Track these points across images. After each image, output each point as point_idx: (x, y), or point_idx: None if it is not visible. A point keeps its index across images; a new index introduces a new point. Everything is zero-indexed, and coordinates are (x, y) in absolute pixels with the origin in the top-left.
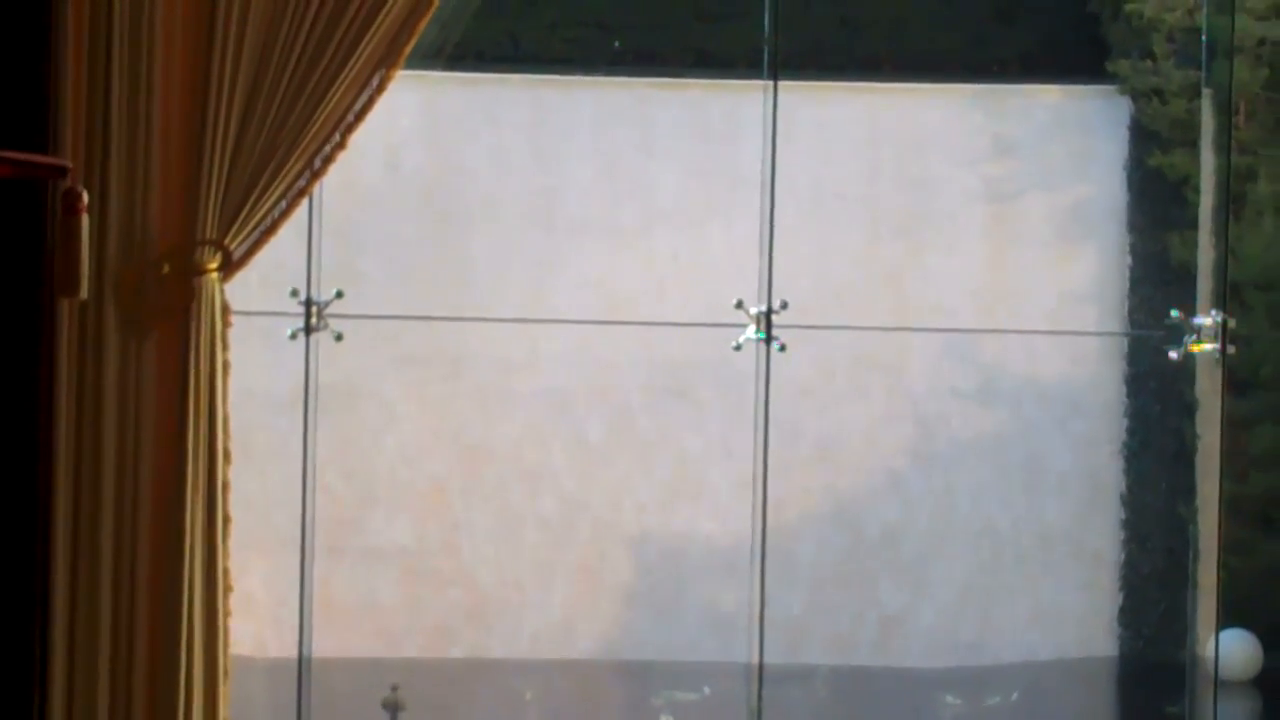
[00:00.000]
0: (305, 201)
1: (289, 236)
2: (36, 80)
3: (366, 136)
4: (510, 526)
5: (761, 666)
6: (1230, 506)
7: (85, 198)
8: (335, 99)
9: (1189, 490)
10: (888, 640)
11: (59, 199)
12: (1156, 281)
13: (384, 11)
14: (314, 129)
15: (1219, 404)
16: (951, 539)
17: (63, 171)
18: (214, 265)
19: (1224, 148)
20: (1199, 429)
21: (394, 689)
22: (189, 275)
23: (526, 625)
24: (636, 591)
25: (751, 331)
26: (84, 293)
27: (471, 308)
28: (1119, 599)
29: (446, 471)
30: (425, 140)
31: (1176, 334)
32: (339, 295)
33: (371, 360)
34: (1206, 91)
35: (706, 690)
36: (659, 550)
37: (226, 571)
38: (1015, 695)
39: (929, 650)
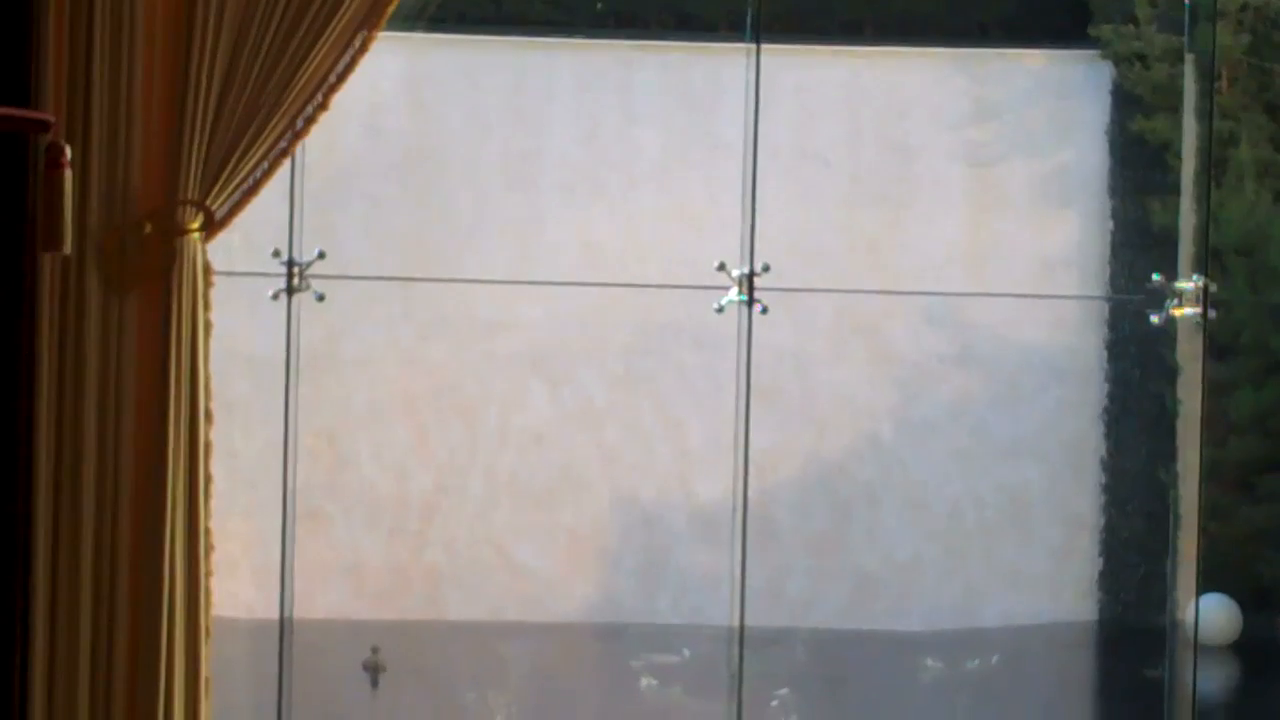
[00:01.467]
0: (287, 162)
1: (271, 197)
2: (18, 40)
3: (348, 98)
4: (491, 489)
5: (742, 629)
6: (1210, 471)
7: (69, 152)
8: (317, 59)
9: (1169, 455)
10: (868, 603)
11: (42, 154)
12: (1138, 246)
13: None
14: (296, 89)
15: (1200, 369)
16: (932, 503)
17: (45, 126)
18: (196, 225)
19: (1206, 113)
20: (1180, 394)
21: (374, 650)
22: (171, 235)
23: (507, 587)
24: (617, 554)
25: (734, 294)
26: (68, 247)
27: (453, 269)
28: (1099, 563)
29: (428, 433)
30: (407, 102)
31: (1158, 298)
32: (321, 256)
33: (354, 320)
34: (1189, 56)
35: (686, 653)
36: (640, 513)
37: (208, 531)
38: (995, 659)
39: (909, 614)
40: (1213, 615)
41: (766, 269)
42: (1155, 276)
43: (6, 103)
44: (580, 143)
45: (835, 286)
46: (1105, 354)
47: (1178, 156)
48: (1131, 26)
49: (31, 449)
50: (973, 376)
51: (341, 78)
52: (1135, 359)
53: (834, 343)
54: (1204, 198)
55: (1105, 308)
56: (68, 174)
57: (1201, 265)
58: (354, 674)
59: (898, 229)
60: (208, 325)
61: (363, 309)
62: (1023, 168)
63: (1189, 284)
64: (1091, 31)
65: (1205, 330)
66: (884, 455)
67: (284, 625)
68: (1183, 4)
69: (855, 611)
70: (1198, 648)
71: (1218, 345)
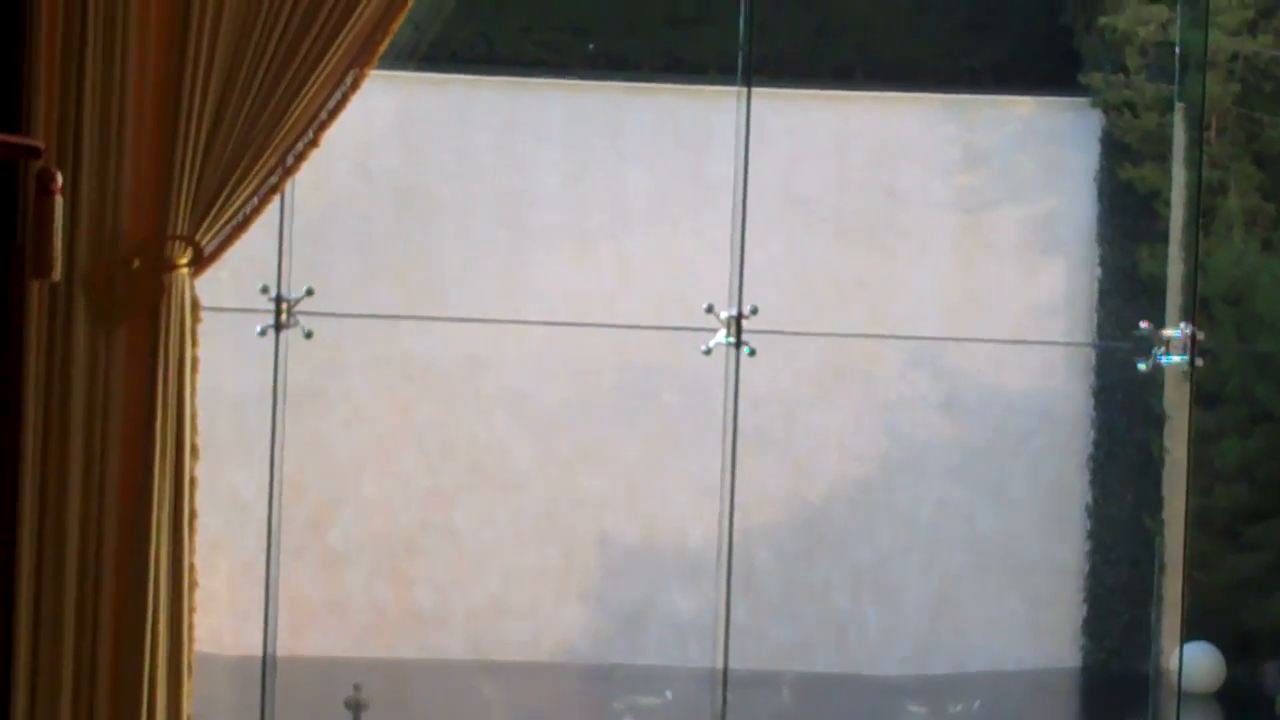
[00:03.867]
0: (277, 198)
1: (260, 233)
2: (10, 71)
3: (339, 135)
4: (476, 528)
5: (726, 672)
6: (1195, 520)
7: (59, 178)
8: (309, 96)
9: (1155, 503)
10: (852, 648)
11: (33, 180)
12: (1125, 294)
13: (359, 10)
14: (287, 126)
15: (1187, 417)
16: (918, 548)
17: (36, 153)
18: (185, 261)
19: (1195, 162)
20: (1166, 441)
21: (357, 688)
22: (159, 270)
23: (491, 627)
24: (601, 595)
25: (721, 336)
26: (57, 274)
27: (441, 308)
28: (1083, 610)
29: (413, 472)
30: (397, 140)
31: (1145, 346)
32: (309, 293)
33: (341, 358)
34: (1178, 105)
35: (669, 695)
36: (624, 554)
37: (193, 567)
38: (976, 704)
39: (893, 658)
40: (1197, 663)
41: (755, 311)
42: (1142, 324)
43: None
44: (570, 183)
45: (823, 330)
46: (1092, 401)
47: (1166, 204)
48: (1122, 75)
49: (16, 480)
50: (959, 422)
51: (333, 115)
52: (1122, 406)
53: (821, 386)
54: (1192, 246)
55: (1092, 354)
56: (59, 200)
57: (1189, 313)
58: (336, 712)
59: (886, 273)
60: (195, 360)
61: (350, 346)
62: (1011, 214)
63: (1176, 332)
64: (1082, 79)
65: (1193, 378)
66: (870, 499)
67: (267, 662)
68: (1173, 53)
69: (839, 655)
70: (1181, 696)
71: (1205, 393)
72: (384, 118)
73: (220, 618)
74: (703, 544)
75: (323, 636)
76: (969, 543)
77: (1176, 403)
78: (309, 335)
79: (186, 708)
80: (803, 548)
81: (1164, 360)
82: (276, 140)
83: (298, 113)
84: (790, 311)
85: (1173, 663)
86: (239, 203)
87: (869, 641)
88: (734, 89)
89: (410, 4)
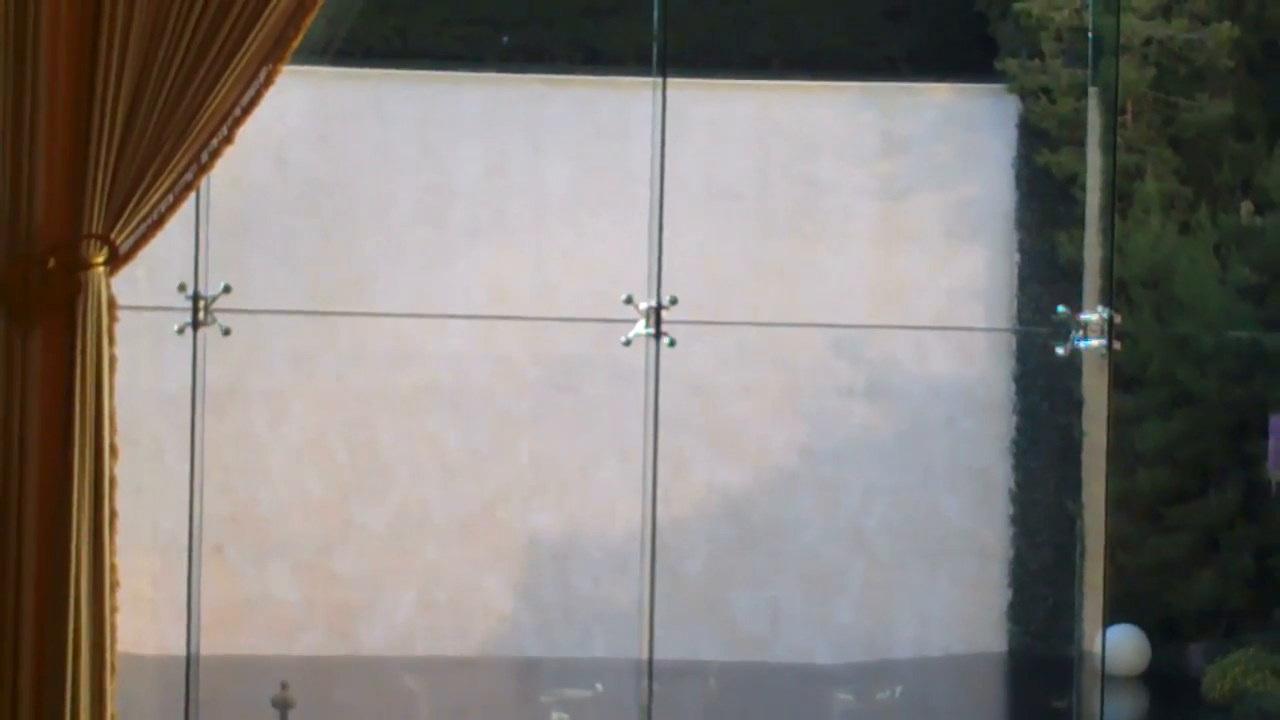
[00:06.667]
0: (193, 196)
1: (177, 231)
2: None
3: (255, 131)
4: (400, 523)
5: (651, 663)
6: (1119, 503)
7: None
8: (222, 93)
9: (1077, 486)
10: (779, 636)
11: None
12: (1045, 279)
13: (270, 7)
14: (201, 123)
15: (1105, 400)
16: (842, 536)
17: None
18: (101, 259)
19: (1110, 146)
20: (1085, 425)
21: (284, 686)
22: (75, 269)
23: (417, 622)
24: (526, 588)
25: (641, 327)
26: None
27: (360, 303)
28: (1008, 595)
29: (336, 468)
30: (313, 136)
31: (1063, 330)
32: (226, 290)
33: (261, 355)
34: (1093, 90)
35: (599, 687)
36: (549, 547)
37: (114, 567)
38: (900, 690)
39: (818, 646)
40: (1121, 646)
41: (674, 302)
42: (1060, 309)
43: None
44: (489, 176)
45: (744, 319)
46: (1013, 386)
47: (1084, 189)
48: (1037, 60)
49: None
50: (881, 408)
51: (247, 111)
52: (1043, 391)
53: (743, 375)
54: (1109, 230)
55: (1013, 340)
56: None
57: (1107, 297)
58: (263, 710)
59: (807, 262)
60: (113, 360)
61: (269, 343)
62: (931, 201)
63: (1094, 316)
64: (998, 65)
65: (1111, 362)
66: (795, 487)
67: (191, 661)
68: (1087, 38)
69: (766, 644)
70: (1105, 678)
71: (1125, 377)
72: (300, 113)
73: (143, 619)
74: (627, 536)
75: (248, 635)
76: (894, 530)
77: (1095, 386)
78: (226, 332)
79: (110, 708)
80: (729, 537)
81: (1082, 344)
82: (191, 138)
83: (211, 110)
84: (712, 302)
85: (1096, 646)
86: (154, 201)
87: (796, 630)
88: (650, 80)
89: (321, 1)
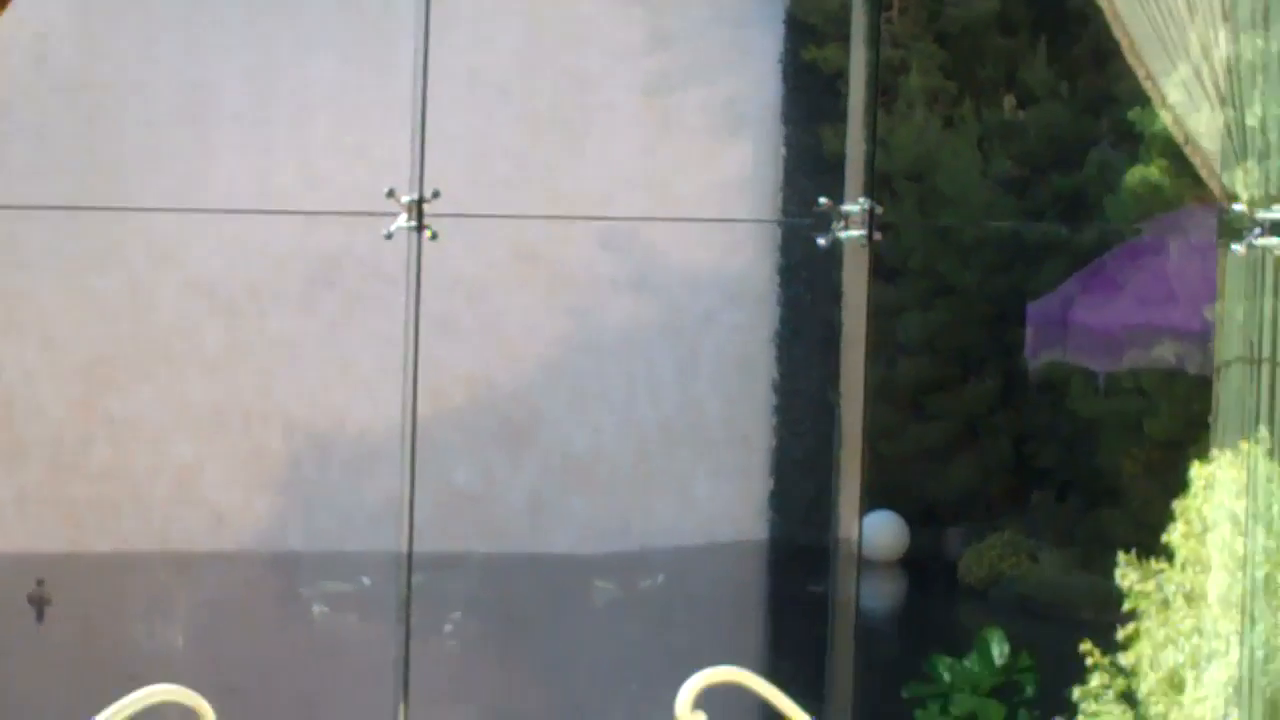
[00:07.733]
0: None
1: None
2: None
3: (11, 25)
4: (161, 419)
5: (411, 555)
6: (880, 392)
7: None
8: None
9: (839, 377)
10: (541, 527)
11: None
12: (810, 173)
13: None
14: None
15: (863, 290)
16: (606, 428)
17: None
18: None
19: (873, 41)
20: (844, 316)
21: (39, 583)
22: None
23: (177, 518)
24: (289, 482)
25: (402, 220)
26: None
27: (124, 199)
28: (770, 483)
29: (100, 364)
30: (74, 30)
31: (826, 222)
32: None
33: (18, 251)
34: None
35: (366, 581)
36: (312, 441)
37: None
38: (661, 578)
39: (582, 537)
40: (879, 532)
41: (437, 195)
42: (821, 201)
43: None
44: (253, 71)
45: (510, 212)
46: (778, 278)
47: (849, 84)
48: None
49: None
50: (647, 301)
51: (3, 4)
52: (806, 283)
53: (509, 270)
54: (871, 124)
55: (778, 233)
56: None
57: (869, 189)
58: (19, 608)
59: (574, 156)
60: None
61: (28, 239)
62: (698, 96)
63: (855, 207)
64: None
65: (871, 253)
66: (560, 381)
67: None
68: None
69: (528, 535)
70: (861, 562)
71: (887, 268)
72: (59, 7)
73: None
74: (388, 429)
75: (3, 533)
76: (659, 421)
77: (855, 278)
78: None
79: None
80: (493, 430)
81: (843, 235)
82: None
83: None
84: (478, 195)
85: (854, 532)
86: None
87: (558, 521)
88: None
89: None
